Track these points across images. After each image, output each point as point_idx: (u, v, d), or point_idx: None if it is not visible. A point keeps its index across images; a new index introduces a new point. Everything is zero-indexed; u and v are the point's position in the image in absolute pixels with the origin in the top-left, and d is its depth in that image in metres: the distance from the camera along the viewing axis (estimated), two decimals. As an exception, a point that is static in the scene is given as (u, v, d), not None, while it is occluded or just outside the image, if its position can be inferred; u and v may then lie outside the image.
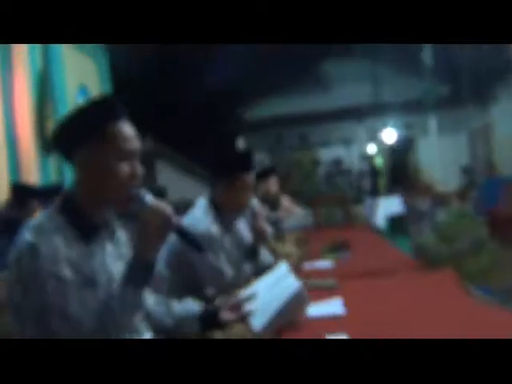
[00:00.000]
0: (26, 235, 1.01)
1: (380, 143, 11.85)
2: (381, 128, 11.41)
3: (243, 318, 1.45)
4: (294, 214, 3.90)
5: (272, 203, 3.59)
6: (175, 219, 1.14)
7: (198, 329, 1.41)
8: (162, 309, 1.40)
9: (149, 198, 1.15)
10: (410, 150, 11.67)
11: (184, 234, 1.17)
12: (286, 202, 3.81)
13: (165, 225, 1.12)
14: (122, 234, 1.26)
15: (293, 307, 1.49)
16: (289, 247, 3.77)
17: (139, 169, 1.16)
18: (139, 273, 1.08)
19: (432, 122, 9.45)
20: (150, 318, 1.27)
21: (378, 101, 11.00)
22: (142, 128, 1.17)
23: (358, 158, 11.34)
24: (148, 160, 6.81)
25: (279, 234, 3.55)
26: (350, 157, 11.73)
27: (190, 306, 1.46)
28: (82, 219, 1.11)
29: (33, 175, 4.50)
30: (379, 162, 11.73)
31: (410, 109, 10.42)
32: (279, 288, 1.53)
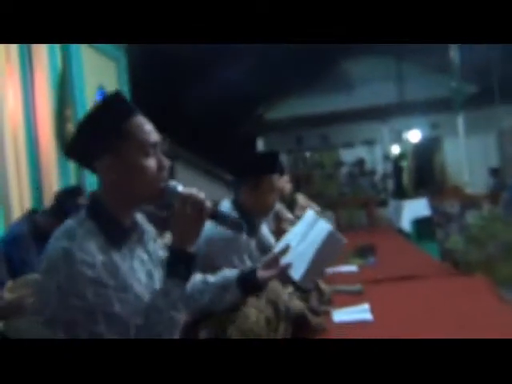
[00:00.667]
0: (60, 241, 1.02)
1: (405, 143, 11.74)
2: (406, 128, 11.32)
3: (282, 273, 1.42)
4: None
5: (288, 203, 3.59)
6: (209, 204, 1.13)
7: (240, 294, 1.40)
8: (199, 286, 1.40)
9: (181, 188, 1.15)
10: (436, 150, 11.53)
11: (221, 217, 1.16)
12: (301, 200, 3.80)
13: (201, 212, 1.11)
14: (151, 232, 1.26)
15: (327, 251, 1.48)
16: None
17: (165, 160, 1.15)
18: (181, 265, 1.08)
19: (459, 122, 9.31)
20: (189, 300, 1.25)
21: (402, 99, 10.91)
22: (160, 129, 1.17)
23: (382, 158, 11.25)
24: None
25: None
26: (373, 158, 11.61)
27: (227, 273, 1.46)
28: (112, 224, 1.11)
29: (53, 177, 4.60)
30: (404, 163, 11.62)
31: (437, 108, 10.27)
32: (311, 235, 1.53)
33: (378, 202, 10.41)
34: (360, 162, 11.60)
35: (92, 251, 1.02)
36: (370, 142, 11.48)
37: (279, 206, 2.84)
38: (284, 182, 3.54)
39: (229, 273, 1.46)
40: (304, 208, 3.69)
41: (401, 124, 11.19)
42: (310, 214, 1.66)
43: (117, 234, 1.11)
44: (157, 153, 1.15)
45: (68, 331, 0.96)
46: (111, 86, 6.49)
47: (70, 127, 4.86)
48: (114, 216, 1.12)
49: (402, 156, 11.74)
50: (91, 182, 5.70)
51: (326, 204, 11.16)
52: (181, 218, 1.11)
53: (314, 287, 2.17)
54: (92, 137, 1.10)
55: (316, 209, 3.89)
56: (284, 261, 1.46)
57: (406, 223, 7.53)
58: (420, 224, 6.96)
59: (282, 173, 3.70)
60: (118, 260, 1.08)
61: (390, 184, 10.94)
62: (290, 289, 2.14)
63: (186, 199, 1.12)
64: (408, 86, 10.57)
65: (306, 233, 1.57)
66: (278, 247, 1.55)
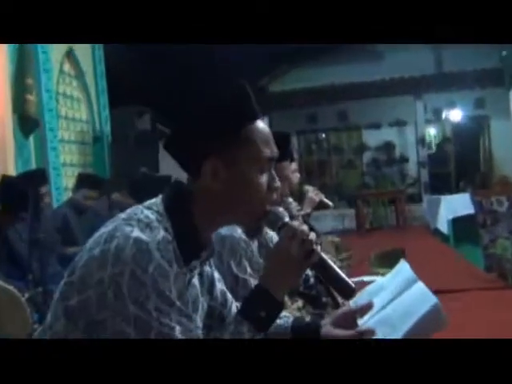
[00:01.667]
0: (132, 229, 1.05)
1: (443, 125, 11.73)
2: (445, 105, 11.30)
3: (359, 338, 1.35)
4: (318, 204, 3.91)
5: (294, 197, 3.63)
6: (318, 248, 1.17)
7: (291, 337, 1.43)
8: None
9: (287, 218, 1.21)
10: (481, 133, 11.53)
11: (326, 270, 1.20)
12: (311, 193, 3.81)
13: (308, 254, 1.16)
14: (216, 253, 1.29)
15: (425, 327, 1.38)
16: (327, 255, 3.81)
17: (277, 181, 1.20)
18: (262, 311, 1.13)
19: (511, 98, 9.30)
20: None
21: (441, 70, 10.87)
22: (141, 102, 1.19)
23: (415, 143, 11.26)
24: (149, 142, 6.91)
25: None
26: (404, 141, 11.67)
27: (278, 321, 1.46)
28: (193, 237, 1.14)
29: (8, 155, 4.62)
30: (442, 148, 11.64)
31: (483, 81, 10.26)
32: (406, 299, 1.47)
33: (410, 196, 10.45)
34: (388, 147, 11.63)
35: (170, 257, 1.06)
36: (400, 122, 11.49)
37: (289, 201, 2.86)
38: (291, 171, 3.56)
39: (280, 321, 1.44)
40: (313, 203, 3.72)
41: (439, 100, 11.18)
42: (405, 267, 1.59)
43: (192, 250, 1.14)
44: (271, 170, 1.20)
45: (115, 331, 0.99)
46: (82, 52, 6.52)
47: (31, 98, 4.89)
48: (198, 227, 1.15)
49: (440, 140, 11.75)
50: (55, 163, 5.75)
51: (344, 199, 11.24)
52: (283, 255, 1.17)
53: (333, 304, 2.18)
54: (204, 131, 1.14)
55: (329, 204, 3.91)
56: (364, 321, 1.42)
57: (443, 223, 7.56)
58: (460, 224, 6.99)
59: (291, 159, 3.72)
60: (184, 278, 1.12)
61: (425, 175, 10.94)
62: (300, 303, 2.16)
63: (294, 234, 1.17)
64: (448, 54, 10.49)
65: (398, 292, 1.50)
66: (358, 301, 1.50)
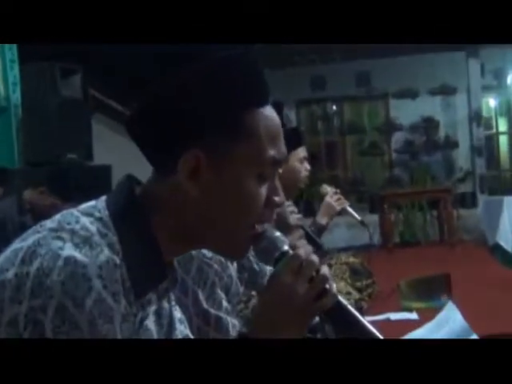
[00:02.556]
0: (67, 247, 1.05)
1: (509, 94, 11.78)
2: (511, 66, 11.33)
3: None
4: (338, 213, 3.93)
5: (306, 195, 3.64)
6: (333, 287, 1.22)
7: None
8: None
9: (287, 246, 1.24)
10: None
11: (345, 319, 1.24)
12: (329, 197, 3.82)
13: (318, 298, 1.20)
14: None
15: None
16: (337, 283, 3.81)
17: (281, 194, 1.24)
18: None
19: None
20: None
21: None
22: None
23: (467, 119, 11.31)
24: (79, 116, 6.85)
25: (320, 255, 3.61)
26: (451, 118, 11.77)
27: None
28: (151, 261, 1.16)
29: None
30: (507, 129, 11.69)
31: None
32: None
33: (459, 197, 10.51)
34: (428, 125, 11.68)
35: (116, 288, 1.05)
36: (446, 90, 11.57)
37: (288, 205, 2.89)
38: (297, 159, 3.58)
39: None
40: (331, 212, 3.73)
41: (502, 59, 11.26)
42: (453, 313, 1.64)
43: (149, 279, 1.15)
44: (274, 178, 1.22)
45: None
46: None
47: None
48: (158, 247, 1.16)
49: (504, 115, 11.82)
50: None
51: (365, 200, 11.22)
52: (283, 297, 1.20)
53: None
54: (187, 111, 1.14)
55: (356, 216, 3.93)
56: None
57: (506, 236, 7.63)
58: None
59: (298, 142, 3.71)
60: (134, 319, 1.13)
61: (482, 166, 11.04)
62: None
63: (300, 268, 1.20)
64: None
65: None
66: None
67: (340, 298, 1.23)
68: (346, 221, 9.10)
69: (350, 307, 1.24)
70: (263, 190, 1.18)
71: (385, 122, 11.93)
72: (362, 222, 4.07)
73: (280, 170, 1.31)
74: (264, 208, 1.19)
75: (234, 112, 1.15)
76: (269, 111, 1.21)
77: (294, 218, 2.98)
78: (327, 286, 1.21)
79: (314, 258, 1.22)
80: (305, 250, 1.23)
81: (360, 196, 11.49)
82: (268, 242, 1.23)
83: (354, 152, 12.17)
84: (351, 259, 4.74)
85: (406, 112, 11.66)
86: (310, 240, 3.11)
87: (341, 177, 11.98)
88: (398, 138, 11.83)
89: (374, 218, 9.62)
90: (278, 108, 2.13)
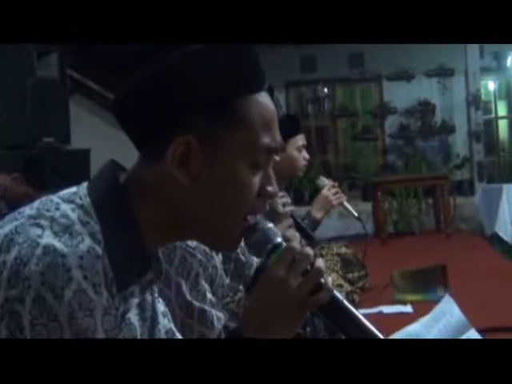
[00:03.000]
0: (46, 235, 1.05)
1: (508, 76, 11.81)
2: (508, 49, 11.31)
3: None
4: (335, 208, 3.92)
5: (307, 186, 3.64)
6: (328, 281, 1.23)
7: None
8: None
9: (280, 238, 1.25)
10: None
11: (341, 316, 1.25)
12: (326, 190, 3.80)
13: (312, 294, 1.20)
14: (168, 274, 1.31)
15: None
16: (330, 273, 3.80)
17: (274, 184, 1.24)
18: None
19: None
20: None
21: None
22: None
23: (465, 103, 11.34)
24: (55, 97, 6.82)
25: (312, 247, 3.61)
26: (448, 101, 11.76)
27: None
28: (135, 255, 1.16)
29: None
30: (506, 113, 11.72)
31: None
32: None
33: (456, 185, 10.54)
34: (423, 109, 11.70)
35: (97, 280, 1.06)
36: (443, 72, 11.59)
37: (279, 196, 2.89)
38: (295, 147, 3.58)
39: None
40: (327, 206, 3.72)
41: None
42: (450, 306, 1.67)
43: (132, 270, 1.16)
44: (268, 167, 1.23)
45: None
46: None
47: None
48: (142, 236, 1.17)
49: (503, 98, 11.84)
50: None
51: (357, 187, 11.24)
52: (275, 292, 1.21)
53: None
54: (179, 95, 1.15)
55: (353, 213, 3.93)
56: None
57: (505, 226, 7.66)
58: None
59: (296, 129, 3.71)
60: (116, 312, 1.13)
61: (480, 151, 11.08)
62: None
63: (294, 261, 1.20)
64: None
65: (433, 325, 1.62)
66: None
67: (336, 292, 1.24)
68: (337, 210, 9.10)
69: (346, 303, 1.25)
70: (257, 180, 1.19)
71: (378, 106, 11.95)
72: (358, 219, 4.07)
73: (277, 158, 1.31)
74: (257, 198, 1.20)
75: (228, 97, 1.15)
76: (263, 97, 1.21)
77: (287, 209, 2.97)
78: (322, 280, 1.21)
79: (309, 250, 1.22)
80: (296, 243, 1.24)
81: (352, 183, 11.52)
82: (260, 233, 1.24)
83: (345, 137, 12.19)
84: (343, 250, 4.74)
85: (400, 95, 11.69)
86: (300, 230, 3.10)
87: (332, 162, 12.00)
88: (392, 123, 11.86)
89: (366, 207, 9.63)
90: (270, 93, 2.14)
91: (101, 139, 7.64)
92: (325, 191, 3.77)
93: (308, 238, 3.21)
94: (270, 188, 1.22)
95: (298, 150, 3.59)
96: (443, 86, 11.66)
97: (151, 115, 1.15)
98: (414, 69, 11.53)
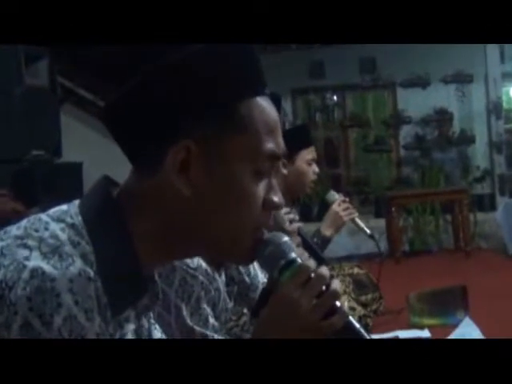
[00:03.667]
0: (34, 257, 1.05)
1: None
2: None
3: None
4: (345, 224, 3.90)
5: (319, 201, 3.63)
6: (344, 306, 1.24)
7: None
8: None
9: (294, 254, 1.26)
10: None
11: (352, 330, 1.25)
12: (336, 206, 3.78)
13: (326, 317, 1.20)
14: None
15: None
16: (342, 296, 3.80)
17: (279, 194, 1.24)
18: None
19: None
20: None
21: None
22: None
23: (485, 111, 11.30)
24: (45, 107, 6.83)
25: (318, 263, 3.58)
26: (467, 109, 11.76)
27: None
28: (131, 278, 1.16)
29: None
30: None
31: None
32: None
33: (476, 199, 10.52)
34: (441, 118, 11.70)
35: (90, 305, 1.06)
36: (461, 78, 11.59)
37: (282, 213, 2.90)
38: (304, 160, 3.56)
39: None
40: (338, 223, 3.69)
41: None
42: (471, 329, 1.69)
43: (127, 294, 1.16)
44: (271, 175, 1.23)
45: None
46: None
47: None
48: (138, 257, 1.17)
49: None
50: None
51: (369, 203, 11.21)
52: (286, 314, 1.21)
53: None
54: (177, 100, 1.15)
55: (365, 230, 3.90)
56: None
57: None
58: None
59: (307, 142, 3.68)
60: (111, 331, 1.13)
61: (501, 164, 11.07)
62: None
63: (308, 281, 1.21)
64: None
65: None
66: None
67: (351, 318, 1.23)
68: (348, 227, 9.08)
69: (362, 329, 1.24)
70: (261, 189, 1.19)
71: (392, 115, 11.95)
72: (371, 236, 4.05)
73: (285, 172, 1.32)
74: (262, 210, 1.20)
75: (229, 100, 1.15)
76: (265, 101, 1.22)
77: (294, 226, 2.96)
78: (337, 303, 1.21)
79: (325, 270, 1.22)
80: (312, 262, 1.24)
81: (364, 198, 11.51)
82: (273, 247, 1.23)
83: (357, 148, 12.19)
84: (355, 270, 4.72)
85: (415, 103, 11.68)
86: (309, 249, 3.09)
87: (342, 176, 11.99)
88: (406, 133, 11.85)
89: (379, 223, 9.62)
90: (276, 100, 2.14)
91: (94, 151, 7.65)
92: (335, 207, 3.75)
93: (317, 257, 3.19)
94: (274, 198, 1.22)
95: (308, 163, 3.58)
96: (461, 94, 11.67)
97: (145, 122, 1.15)
98: (430, 75, 11.52)
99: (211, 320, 2.04)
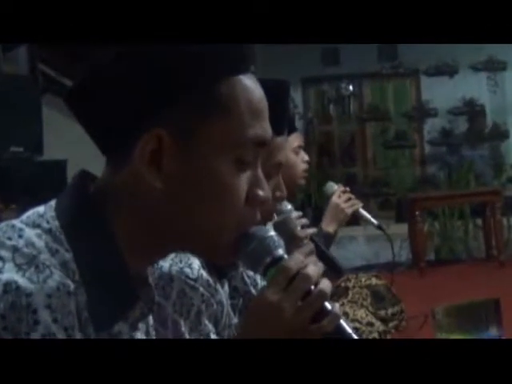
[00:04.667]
0: (7, 269, 1.05)
1: None
2: None
3: None
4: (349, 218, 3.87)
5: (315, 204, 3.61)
6: (335, 307, 1.23)
7: None
8: None
9: (282, 250, 1.24)
10: None
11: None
12: (336, 197, 3.75)
13: (316, 321, 1.20)
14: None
15: None
16: (359, 309, 3.78)
17: (266, 187, 1.24)
18: None
19: None
20: None
21: None
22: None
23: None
24: (26, 97, 6.83)
25: (334, 274, 3.54)
26: (500, 101, 11.81)
27: None
28: (118, 286, 1.17)
29: None
30: None
31: None
32: None
33: (509, 202, 10.50)
34: (470, 110, 11.69)
35: (70, 321, 1.07)
36: (493, 65, 11.59)
37: (285, 206, 2.87)
38: (291, 149, 3.55)
39: None
40: (341, 216, 3.69)
41: None
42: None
43: (115, 305, 1.16)
44: (257, 165, 1.23)
45: None
46: None
47: None
48: (124, 260, 1.17)
49: None
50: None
51: (389, 206, 11.19)
52: (271, 318, 1.20)
53: None
54: (147, 81, 1.15)
55: (372, 221, 3.88)
56: None
57: None
58: None
59: (291, 129, 3.67)
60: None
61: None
62: None
63: (294, 280, 1.20)
64: None
65: None
66: None
67: (342, 321, 1.22)
68: (365, 232, 9.11)
69: (353, 334, 1.23)
70: (243, 181, 1.18)
71: (415, 107, 11.96)
72: (379, 227, 3.99)
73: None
74: (247, 203, 1.19)
75: (205, 80, 1.14)
76: (249, 80, 1.21)
77: (306, 231, 2.94)
78: (327, 305, 1.19)
79: (311, 269, 1.20)
80: (299, 257, 1.22)
81: (384, 201, 11.53)
82: (257, 242, 1.22)
83: (376, 144, 12.20)
84: (373, 281, 4.73)
85: (441, 93, 11.68)
86: (323, 257, 3.05)
87: (359, 176, 12.01)
88: (432, 127, 11.87)
89: (401, 229, 9.61)
90: (284, 89, 2.12)
91: (80, 148, 7.63)
92: (335, 199, 3.70)
93: (333, 266, 3.17)
94: (259, 192, 1.21)
95: (295, 151, 3.51)
96: (494, 83, 11.67)
97: (113, 107, 1.14)
98: (458, 62, 11.54)
99: (213, 337, 2.05)
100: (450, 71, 11.61)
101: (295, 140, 3.49)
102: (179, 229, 1.17)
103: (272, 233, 1.24)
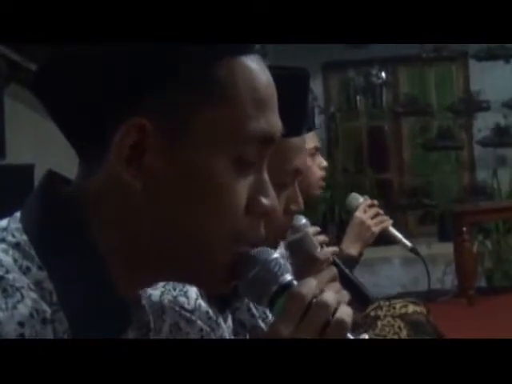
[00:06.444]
0: None
1: None
2: None
3: None
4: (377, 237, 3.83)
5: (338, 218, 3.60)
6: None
7: None
8: None
9: (290, 276, 1.25)
10: None
11: None
12: (361, 213, 3.71)
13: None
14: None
15: None
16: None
17: (271, 192, 1.25)
18: None
19: None
20: None
21: None
22: None
23: None
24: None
25: (361, 304, 3.48)
26: None
27: None
28: (106, 311, 1.18)
29: None
30: None
31: None
32: None
33: None
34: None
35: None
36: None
37: (300, 221, 2.87)
38: (308, 153, 3.54)
39: None
40: (367, 235, 3.66)
41: None
42: None
43: (102, 331, 1.17)
44: (262, 166, 1.24)
45: None
46: None
47: None
48: (112, 279, 1.18)
49: None
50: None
51: (430, 220, 11.18)
52: None
53: None
54: (124, 59, 1.18)
55: (404, 241, 3.86)
56: None
57: None
58: None
59: (309, 128, 3.65)
60: None
61: None
62: None
63: (304, 310, 1.19)
64: None
65: None
66: None
67: None
68: (401, 253, 9.06)
69: None
70: (244, 185, 1.18)
71: (463, 98, 11.95)
72: (413, 250, 3.94)
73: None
74: (244, 215, 1.18)
75: (199, 61, 1.15)
76: (254, 62, 1.23)
77: (327, 251, 2.92)
78: (349, 335, 1.19)
79: (328, 295, 1.19)
80: (312, 282, 1.21)
81: (424, 214, 11.54)
82: (261, 267, 1.22)
83: (413, 144, 12.19)
84: (410, 309, 4.68)
85: (495, 82, 11.67)
86: (349, 285, 3.00)
87: (393, 184, 12.00)
88: (483, 123, 11.83)
89: (446, 249, 9.61)
90: (302, 78, 2.12)
91: (50, 149, 7.67)
92: (359, 214, 3.63)
93: (360, 295, 3.12)
94: (263, 200, 1.21)
95: (311, 154, 3.50)
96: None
97: (84, 93, 1.14)
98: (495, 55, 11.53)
99: None
100: (505, 55, 11.58)
101: (311, 140, 3.43)
102: (163, 242, 1.16)
103: (276, 255, 1.24)
